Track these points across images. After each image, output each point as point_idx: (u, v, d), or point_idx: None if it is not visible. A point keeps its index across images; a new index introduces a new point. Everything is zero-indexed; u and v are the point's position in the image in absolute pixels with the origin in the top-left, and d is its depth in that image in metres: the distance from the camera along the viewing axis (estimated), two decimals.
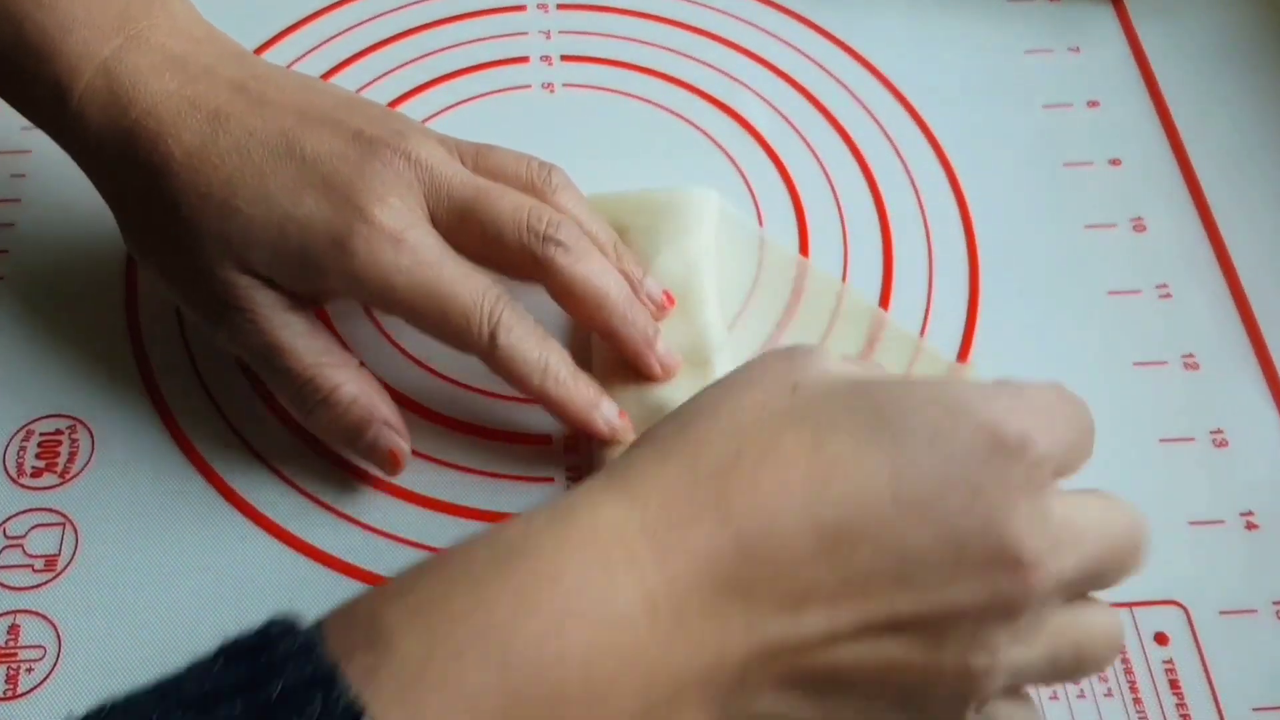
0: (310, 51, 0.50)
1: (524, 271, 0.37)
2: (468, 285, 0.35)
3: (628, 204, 0.42)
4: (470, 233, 0.36)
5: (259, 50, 0.49)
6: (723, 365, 0.39)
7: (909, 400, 0.28)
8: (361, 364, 0.38)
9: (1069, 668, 0.29)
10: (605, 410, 0.37)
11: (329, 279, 0.35)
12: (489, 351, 0.35)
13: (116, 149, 0.36)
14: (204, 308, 0.37)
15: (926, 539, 0.26)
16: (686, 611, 0.25)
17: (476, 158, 0.38)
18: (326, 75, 0.49)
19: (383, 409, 0.37)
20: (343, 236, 0.34)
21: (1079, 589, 0.29)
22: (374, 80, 0.49)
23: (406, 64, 0.49)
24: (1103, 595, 0.36)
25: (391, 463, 0.37)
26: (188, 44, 0.38)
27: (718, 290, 0.41)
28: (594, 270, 0.37)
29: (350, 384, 0.36)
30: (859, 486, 0.26)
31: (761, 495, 0.26)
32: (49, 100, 0.37)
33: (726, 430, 0.27)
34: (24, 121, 0.46)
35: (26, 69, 0.37)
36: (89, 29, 0.36)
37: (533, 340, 0.36)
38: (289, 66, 0.49)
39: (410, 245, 0.35)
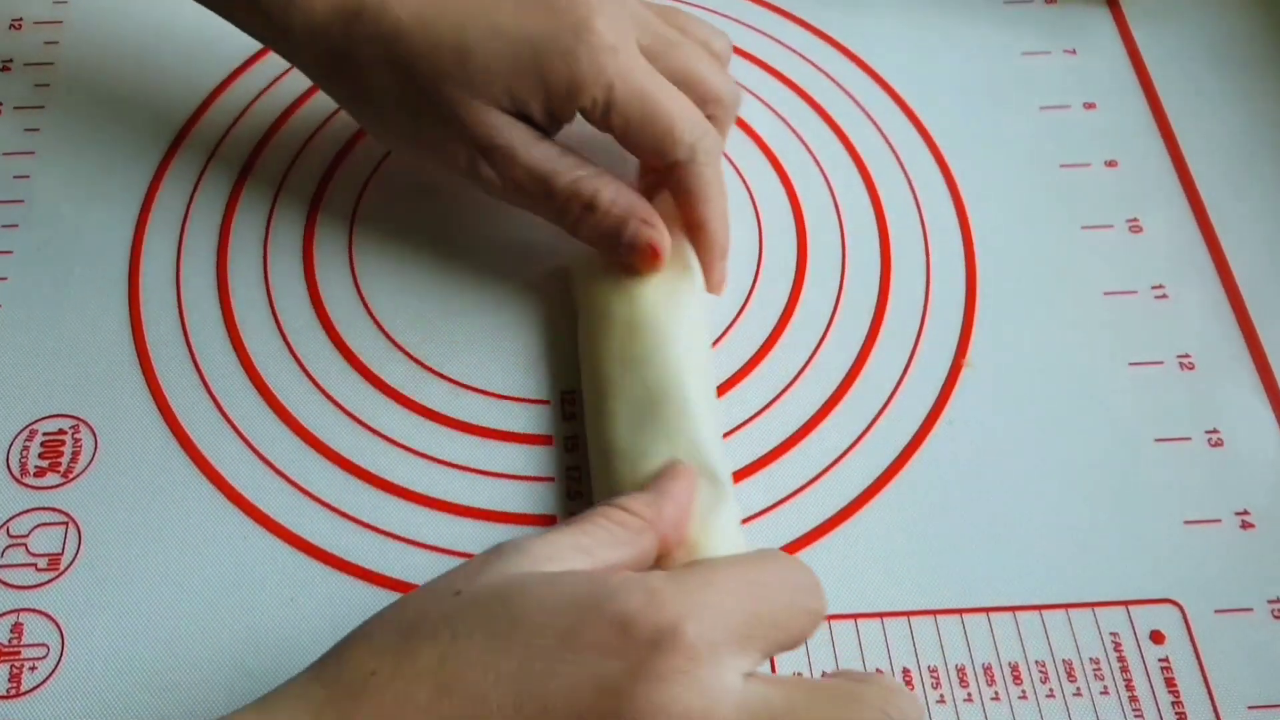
0: None
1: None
2: (678, 101, 0.39)
3: None
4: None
5: None
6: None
7: (549, 599, 0.27)
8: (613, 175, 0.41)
9: None
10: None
11: (557, 90, 0.38)
12: (686, 161, 0.39)
13: (342, 31, 0.39)
14: (463, 160, 0.39)
15: None
16: None
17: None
18: None
19: (640, 207, 0.40)
20: (570, 46, 0.37)
21: None
22: None
23: None
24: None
25: (651, 255, 0.39)
26: None
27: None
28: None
29: (607, 189, 0.39)
30: (481, 695, 0.26)
31: (385, 713, 0.26)
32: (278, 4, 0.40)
33: (374, 647, 0.27)
34: (27, 122, 0.47)
35: None
36: None
37: (720, 170, 0.40)
38: None
39: (626, 55, 0.38)
